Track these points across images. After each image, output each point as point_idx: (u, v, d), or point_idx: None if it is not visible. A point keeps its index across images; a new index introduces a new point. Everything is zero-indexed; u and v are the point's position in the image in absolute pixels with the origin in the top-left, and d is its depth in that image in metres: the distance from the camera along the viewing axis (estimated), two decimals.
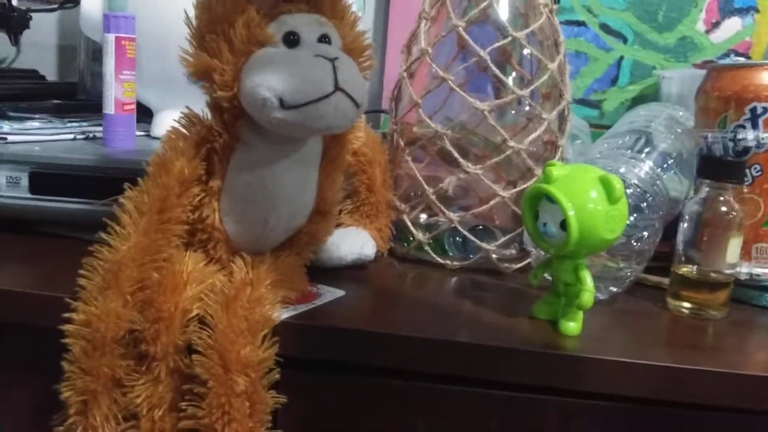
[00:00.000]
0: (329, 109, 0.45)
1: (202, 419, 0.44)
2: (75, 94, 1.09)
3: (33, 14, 1.10)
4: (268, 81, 0.45)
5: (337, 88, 0.45)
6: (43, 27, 1.19)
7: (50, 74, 1.20)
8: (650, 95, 1.03)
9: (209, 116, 0.51)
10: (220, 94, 0.48)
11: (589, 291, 0.51)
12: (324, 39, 0.49)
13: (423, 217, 0.70)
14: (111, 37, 0.70)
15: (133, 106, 0.73)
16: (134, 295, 0.46)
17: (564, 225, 0.50)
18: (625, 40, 1.04)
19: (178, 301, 0.47)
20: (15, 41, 1.08)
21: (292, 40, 0.48)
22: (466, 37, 0.64)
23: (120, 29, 0.70)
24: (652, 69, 1.04)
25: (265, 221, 0.53)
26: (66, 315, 0.46)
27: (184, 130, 0.51)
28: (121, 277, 0.46)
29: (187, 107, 0.52)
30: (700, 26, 1.03)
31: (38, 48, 1.20)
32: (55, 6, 1.11)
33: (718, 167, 0.59)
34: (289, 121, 0.46)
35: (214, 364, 0.44)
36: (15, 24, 1.06)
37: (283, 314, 0.50)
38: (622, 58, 1.05)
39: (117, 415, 0.46)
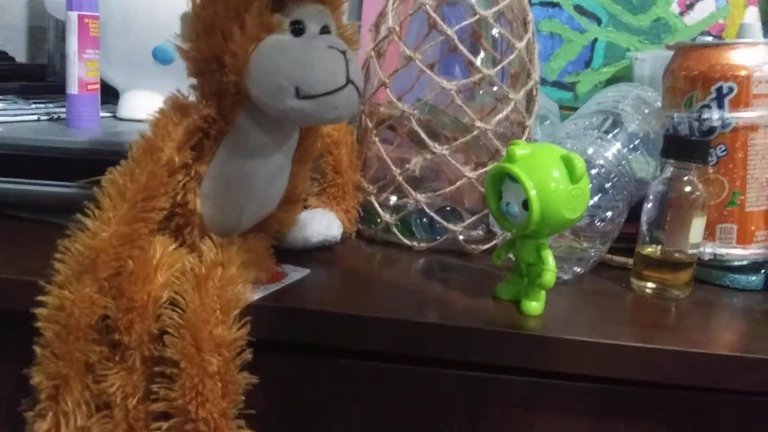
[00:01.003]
0: (342, 100, 0.46)
1: (174, 401, 0.44)
2: (44, 77, 1.07)
3: None
4: (285, 69, 0.45)
5: (349, 80, 0.46)
6: (12, 8, 1.17)
7: (20, 56, 1.18)
8: (624, 77, 1.02)
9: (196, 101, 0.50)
10: (232, 78, 0.47)
11: (550, 270, 0.51)
12: (325, 29, 0.50)
13: (393, 199, 0.70)
14: (74, 15, 0.68)
15: (97, 86, 0.72)
16: (109, 280, 0.45)
17: (526, 205, 0.49)
18: (599, 22, 1.04)
19: (150, 289, 0.46)
20: None
21: (298, 29, 0.48)
22: (434, 15, 0.63)
23: (83, 7, 0.69)
24: (626, 51, 1.04)
25: (242, 208, 0.53)
26: (39, 298, 0.45)
27: (173, 115, 0.49)
28: (98, 263, 0.45)
29: (178, 90, 0.51)
30: (675, 8, 1.03)
31: (7, 29, 1.18)
32: None
33: (683, 147, 0.59)
34: (304, 110, 0.46)
35: (187, 344, 0.44)
36: None
37: (255, 294, 0.50)
38: (596, 40, 1.04)
39: (89, 401, 0.45)
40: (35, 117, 0.76)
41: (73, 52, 0.69)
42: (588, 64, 1.05)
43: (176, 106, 0.49)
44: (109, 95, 0.81)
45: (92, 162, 0.62)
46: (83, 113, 0.71)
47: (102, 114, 0.76)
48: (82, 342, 0.45)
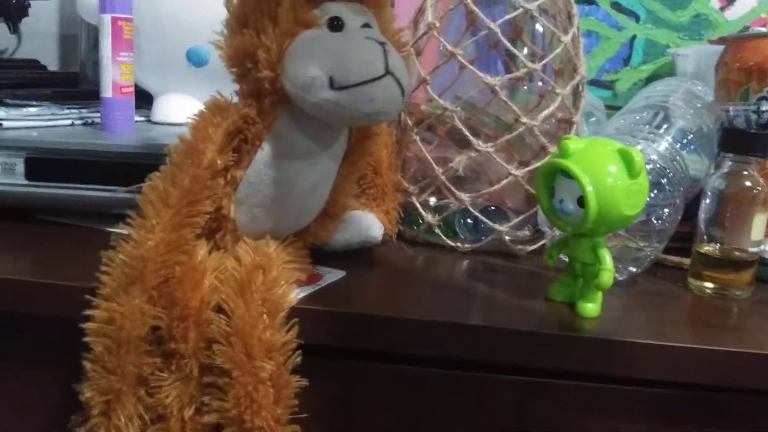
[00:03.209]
0: (380, 92, 0.44)
1: (228, 411, 0.42)
2: (76, 84, 1.07)
3: (32, 2, 1.08)
4: (318, 60, 0.44)
5: (388, 71, 0.44)
6: (44, 16, 1.17)
7: (52, 64, 1.18)
8: (664, 74, 1.00)
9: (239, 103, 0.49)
10: (266, 73, 0.45)
11: (608, 270, 0.48)
12: (366, 27, 0.48)
13: (432, 200, 0.68)
14: (107, 18, 0.68)
15: (131, 89, 0.71)
16: (158, 289, 0.44)
17: (582, 201, 0.47)
18: (637, 19, 1.01)
19: (201, 294, 0.45)
20: (14, 29, 1.06)
21: (336, 25, 0.47)
22: (476, 9, 0.62)
23: (116, 9, 0.68)
24: (665, 48, 1.01)
25: (277, 217, 0.51)
26: (86, 312, 0.43)
27: (213, 116, 0.48)
28: (146, 273, 0.43)
29: (218, 92, 0.49)
30: (715, 3, 1.00)
31: (39, 38, 1.18)
32: None
33: (742, 140, 0.57)
34: (338, 102, 0.44)
35: (237, 351, 0.42)
36: (13, 12, 1.04)
37: (298, 295, 0.49)
38: (634, 37, 1.02)
39: (142, 414, 0.44)
40: (69, 121, 0.75)
41: (107, 56, 0.69)
42: (627, 61, 1.02)
43: (216, 108, 0.48)
44: (143, 100, 0.80)
45: (128, 165, 0.62)
46: (118, 117, 0.70)
47: (136, 118, 0.75)
48: (133, 355, 0.43)
